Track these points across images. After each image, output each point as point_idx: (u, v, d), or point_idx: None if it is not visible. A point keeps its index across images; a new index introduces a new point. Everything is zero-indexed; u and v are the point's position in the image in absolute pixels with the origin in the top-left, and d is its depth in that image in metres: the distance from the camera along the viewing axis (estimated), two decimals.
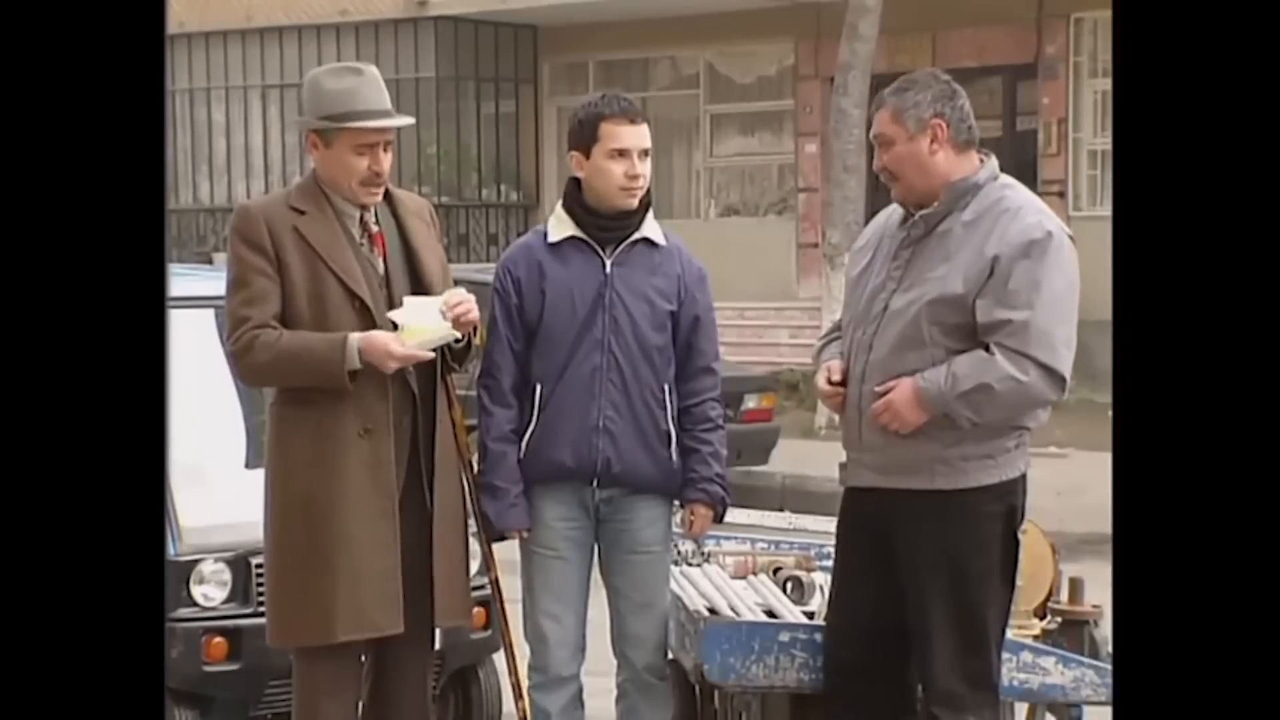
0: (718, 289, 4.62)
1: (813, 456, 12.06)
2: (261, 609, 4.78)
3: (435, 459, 4.08)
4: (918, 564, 3.89)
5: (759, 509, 5.48)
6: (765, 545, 4.85)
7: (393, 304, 4.03)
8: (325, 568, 3.96)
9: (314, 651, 4.06)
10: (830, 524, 5.21)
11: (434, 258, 4.17)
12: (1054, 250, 3.82)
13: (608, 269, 4.23)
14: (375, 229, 4.11)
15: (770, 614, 4.35)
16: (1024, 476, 3.97)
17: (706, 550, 4.73)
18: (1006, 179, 3.99)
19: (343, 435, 3.97)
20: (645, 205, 4.31)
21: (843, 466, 4.12)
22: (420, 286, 4.09)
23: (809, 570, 4.61)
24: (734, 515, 4.62)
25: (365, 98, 4.03)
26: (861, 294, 4.02)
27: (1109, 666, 4.16)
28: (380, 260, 4.09)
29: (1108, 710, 4.21)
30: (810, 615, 4.37)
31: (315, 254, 3.99)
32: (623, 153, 4.20)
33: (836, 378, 4.02)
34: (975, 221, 3.87)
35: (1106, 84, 16.20)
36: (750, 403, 10.84)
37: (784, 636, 4.12)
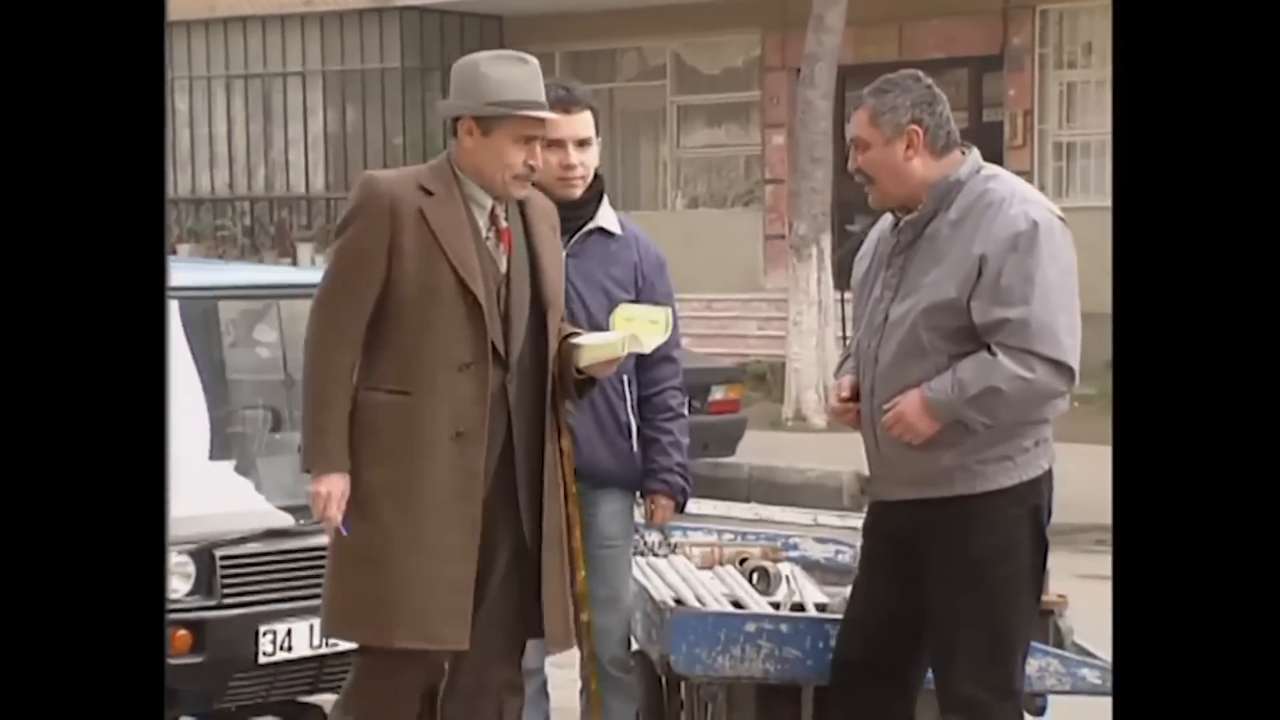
0: (684, 281, 4.62)
1: (780, 448, 12.09)
2: (226, 601, 4.78)
3: (544, 478, 3.88)
4: (944, 572, 3.83)
5: (726, 500, 5.48)
6: (732, 536, 4.84)
7: (510, 305, 3.85)
8: (392, 567, 3.76)
9: (371, 661, 3.86)
10: (796, 514, 5.23)
11: (556, 266, 3.96)
12: (1043, 239, 3.74)
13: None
14: (504, 225, 3.90)
15: (736, 605, 4.35)
16: (1049, 474, 3.89)
17: (673, 541, 4.72)
18: (991, 169, 3.91)
19: (435, 434, 3.77)
20: (599, 194, 4.28)
21: (867, 481, 4.09)
22: (539, 292, 3.89)
23: (775, 561, 4.61)
24: (700, 506, 4.62)
25: (532, 89, 3.84)
26: (866, 305, 3.97)
27: (1073, 656, 4.18)
28: (504, 258, 3.88)
29: (1071, 700, 4.23)
30: (776, 606, 4.36)
31: (435, 240, 3.78)
32: (555, 142, 4.13)
33: (845, 394, 3.96)
34: (961, 220, 3.80)
35: (1072, 75, 16.28)
36: (717, 394, 10.84)
37: (750, 627, 4.12)
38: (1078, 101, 16.19)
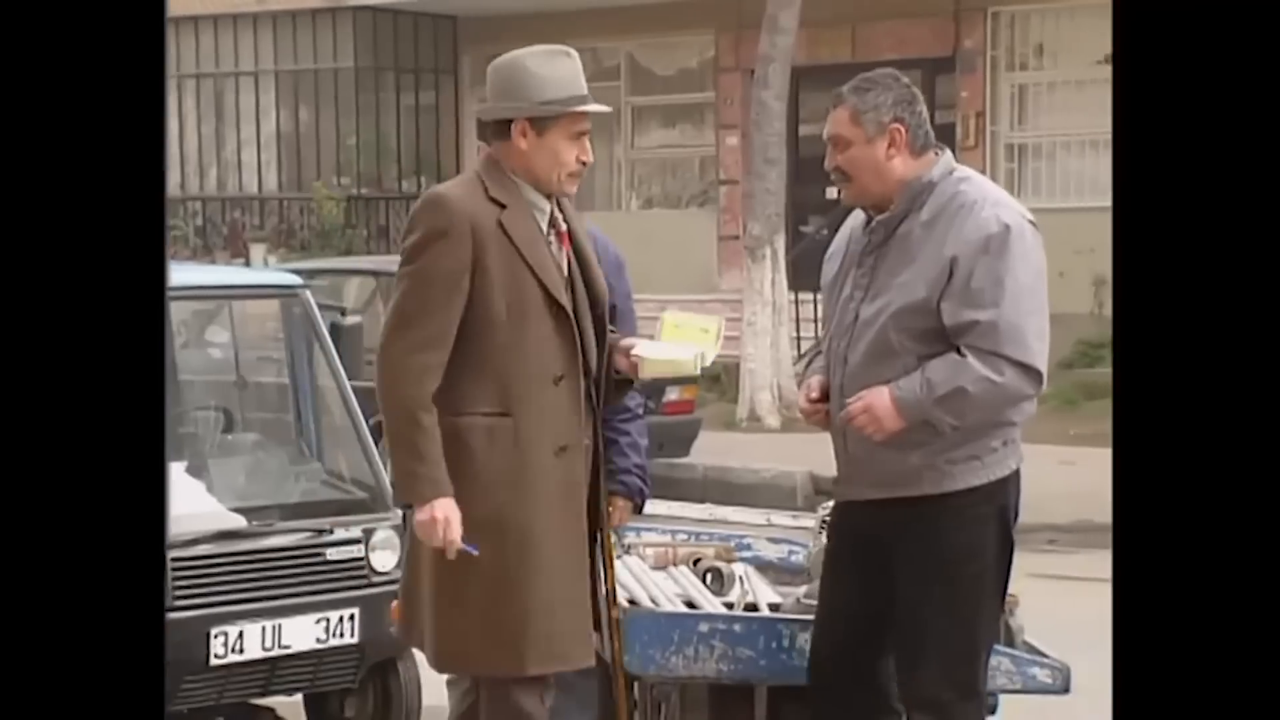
0: (639, 281, 4.61)
1: (734, 448, 12.11)
2: (177, 603, 4.75)
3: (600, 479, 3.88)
4: (912, 571, 3.83)
5: (680, 500, 5.49)
6: (686, 536, 4.84)
7: (579, 311, 3.78)
8: (518, 593, 3.67)
9: (496, 694, 3.77)
10: (750, 514, 5.24)
11: (597, 263, 3.90)
12: (1014, 242, 3.75)
13: None
14: (564, 227, 3.81)
15: (690, 605, 4.35)
16: (1016, 474, 3.90)
17: (627, 542, 4.72)
18: (964, 171, 3.92)
19: (539, 453, 3.69)
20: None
21: (835, 482, 4.08)
22: (594, 293, 3.84)
23: (729, 561, 4.61)
24: (655, 506, 4.62)
25: (580, 83, 3.77)
26: (836, 305, 3.96)
27: (1024, 655, 4.20)
28: (566, 260, 3.81)
29: (1021, 699, 4.25)
30: (730, 606, 4.37)
31: (518, 254, 3.68)
32: None
33: (815, 395, 3.94)
34: (933, 221, 3.80)
35: (1023, 77, 16.37)
36: (672, 394, 10.84)
37: (703, 627, 4.12)
38: (1029, 103, 16.28)
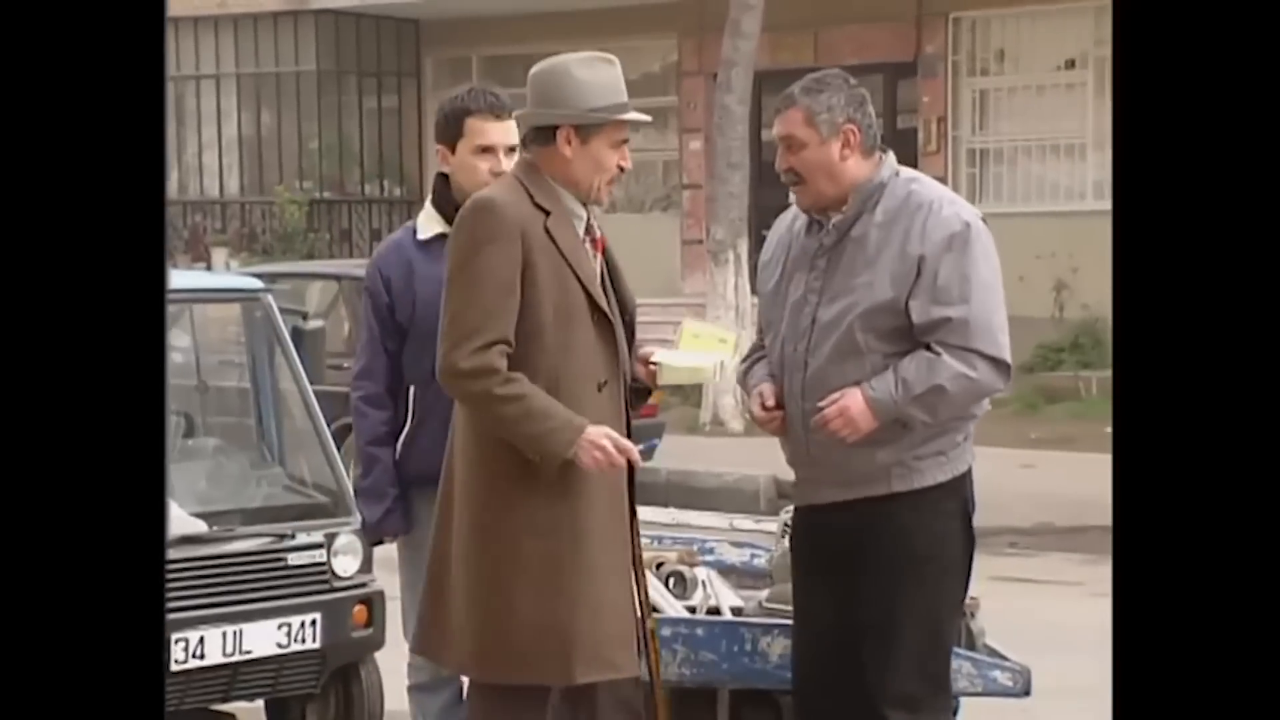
0: None
1: (697, 452, 12.11)
2: None
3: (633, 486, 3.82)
4: (883, 570, 3.83)
5: (643, 504, 5.48)
6: (648, 540, 4.84)
7: (613, 317, 3.75)
8: (567, 595, 3.61)
9: (505, 692, 3.68)
10: (713, 518, 5.24)
11: (621, 268, 3.87)
12: (975, 239, 3.79)
13: None
14: (598, 233, 3.78)
15: (653, 609, 4.35)
16: (970, 469, 3.94)
17: None
18: (909, 172, 3.94)
19: None
20: None
21: (794, 485, 4.06)
22: (623, 299, 3.82)
23: (692, 565, 4.62)
24: None
25: (622, 89, 3.75)
26: (783, 309, 3.94)
27: (985, 658, 4.21)
28: (600, 266, 3.78)
29: (982, 702, 4.27)
30: (692, 610, 4.38)
31: (563, 259, 3.65)
32: (487, 149, 4.15)
33: (770, 402, 3.92)
34: (889, 221, 3.82)
35: (984, 83, 16.45)
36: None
37: (666, 631, 4.13)
38: (990, 108, 16.37)
